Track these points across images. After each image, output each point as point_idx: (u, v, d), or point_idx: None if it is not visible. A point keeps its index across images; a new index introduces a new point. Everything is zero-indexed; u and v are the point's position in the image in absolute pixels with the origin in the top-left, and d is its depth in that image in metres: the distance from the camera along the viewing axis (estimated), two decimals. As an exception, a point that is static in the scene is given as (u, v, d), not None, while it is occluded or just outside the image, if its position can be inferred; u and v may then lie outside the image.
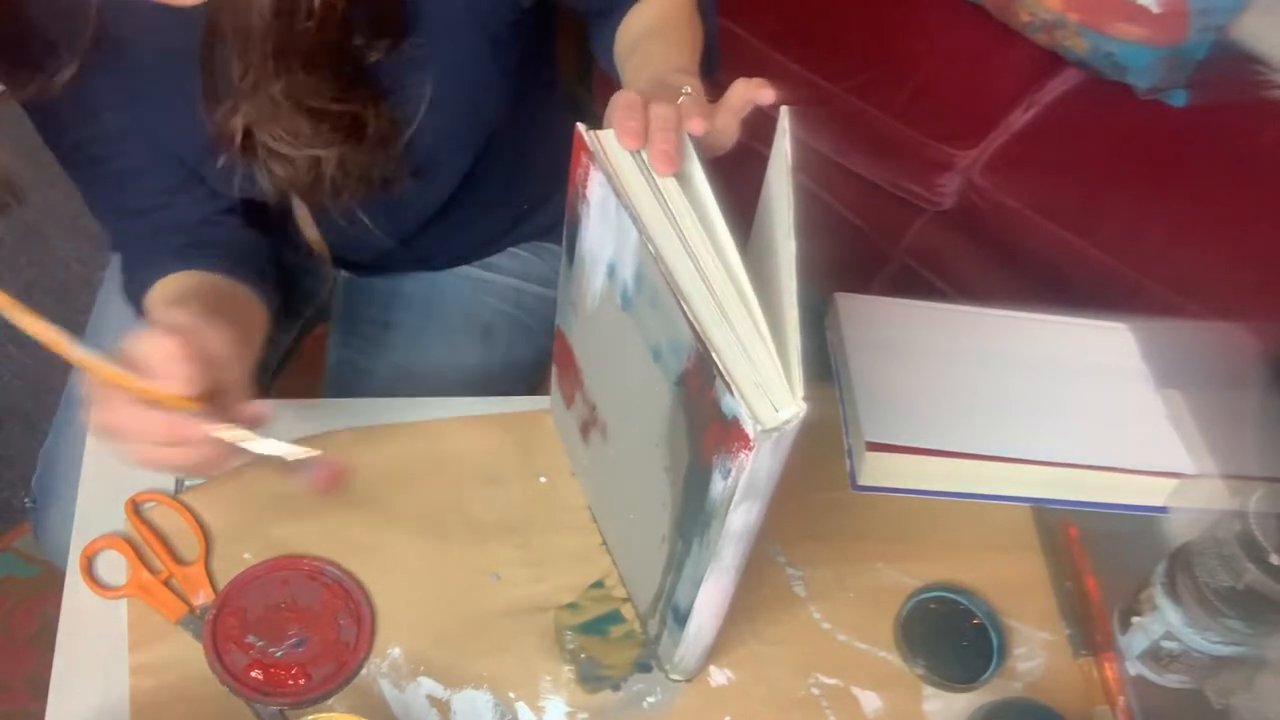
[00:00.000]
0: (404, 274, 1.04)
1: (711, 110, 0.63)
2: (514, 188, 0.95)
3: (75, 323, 1.92)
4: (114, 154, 0.79)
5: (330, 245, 0.88)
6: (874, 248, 1.63)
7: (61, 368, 1.63)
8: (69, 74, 0.67)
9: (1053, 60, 1.56)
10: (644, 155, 0.60)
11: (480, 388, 0.87)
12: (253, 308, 0.79)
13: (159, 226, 0.80)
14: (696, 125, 0.60)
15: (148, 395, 0.56)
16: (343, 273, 1.06)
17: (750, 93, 0.63)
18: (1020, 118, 1.52)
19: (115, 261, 1.02)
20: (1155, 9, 1.43)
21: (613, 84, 0.77)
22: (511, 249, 1.05)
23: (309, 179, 0.74)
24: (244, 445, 0.60)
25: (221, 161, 0.74)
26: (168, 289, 0.76)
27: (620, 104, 0.61)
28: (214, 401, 0.59)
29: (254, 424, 0.60)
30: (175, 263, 0.77)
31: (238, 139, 0.71)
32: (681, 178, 0.60)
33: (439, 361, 0.99)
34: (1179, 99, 1.51)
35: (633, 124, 0.59)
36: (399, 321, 1.02)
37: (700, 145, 0.62)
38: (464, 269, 1.04)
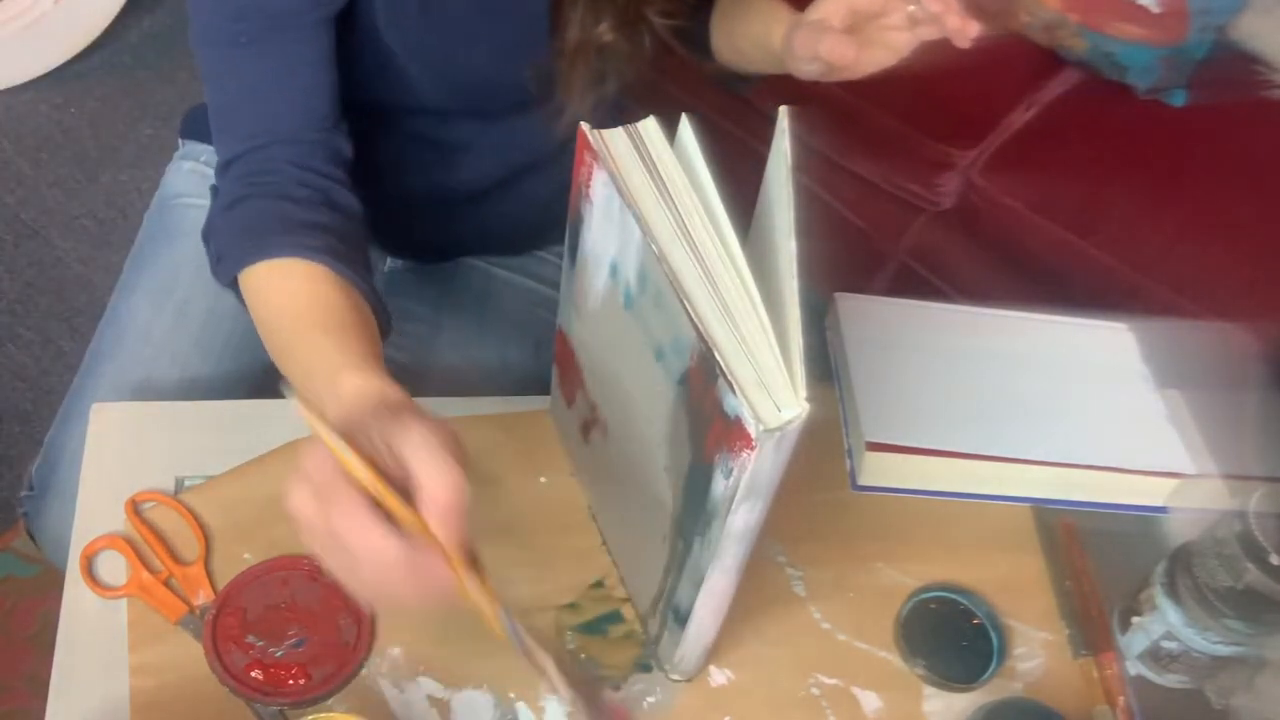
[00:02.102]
0: (454, 274, 1.04)
1: None
2: None
3: (74, 322, 1.93)
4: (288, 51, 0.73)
5: (428, 184, 0.91)
6: (874, 248, 1.63)
7: (62, 368, 1.63)
8: None
9: (1053, 60, 1.56)
10: (649, 154, 0.60)
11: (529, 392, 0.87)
12: (375, 331, 0.70)
13: (275, 187, 0.73)
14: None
15: (405, 522, 0.49)
16: (389, 263, 1.07)
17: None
18: (1020, 118, 1.52)
19: (137, 256, 1.01)
20: (1155, 9, 1.43)
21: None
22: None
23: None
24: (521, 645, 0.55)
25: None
26: (285, 292, 0.69)
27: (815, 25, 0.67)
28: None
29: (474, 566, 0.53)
30: (288, 248, 0.69)
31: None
32: (687, 175, 0.59)
33: (490, 368, 0.99)
34: (1179, 99, 1.51)
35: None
36: (449, 324, 1.02)
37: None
38: (517, 279, 1.04)
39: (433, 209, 0.96)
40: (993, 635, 0.75)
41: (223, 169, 0.76)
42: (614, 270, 0.63)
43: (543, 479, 0.81)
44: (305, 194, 0.73)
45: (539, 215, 1.01)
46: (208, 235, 0.76)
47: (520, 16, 0.80)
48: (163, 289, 0.97)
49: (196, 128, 1.05)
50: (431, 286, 1.05)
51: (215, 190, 0.76)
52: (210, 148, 1.00)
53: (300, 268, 0.69)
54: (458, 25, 0.79)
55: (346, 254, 0.71)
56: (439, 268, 1.07)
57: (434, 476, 0.49)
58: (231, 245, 0.72)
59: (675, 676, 0.72)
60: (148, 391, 0.92)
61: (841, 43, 0.71)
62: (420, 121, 0.88)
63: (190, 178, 1.02)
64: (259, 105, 0.74)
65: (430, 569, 0.49)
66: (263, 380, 0.98)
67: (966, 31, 0.68)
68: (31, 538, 1.00)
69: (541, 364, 1.00)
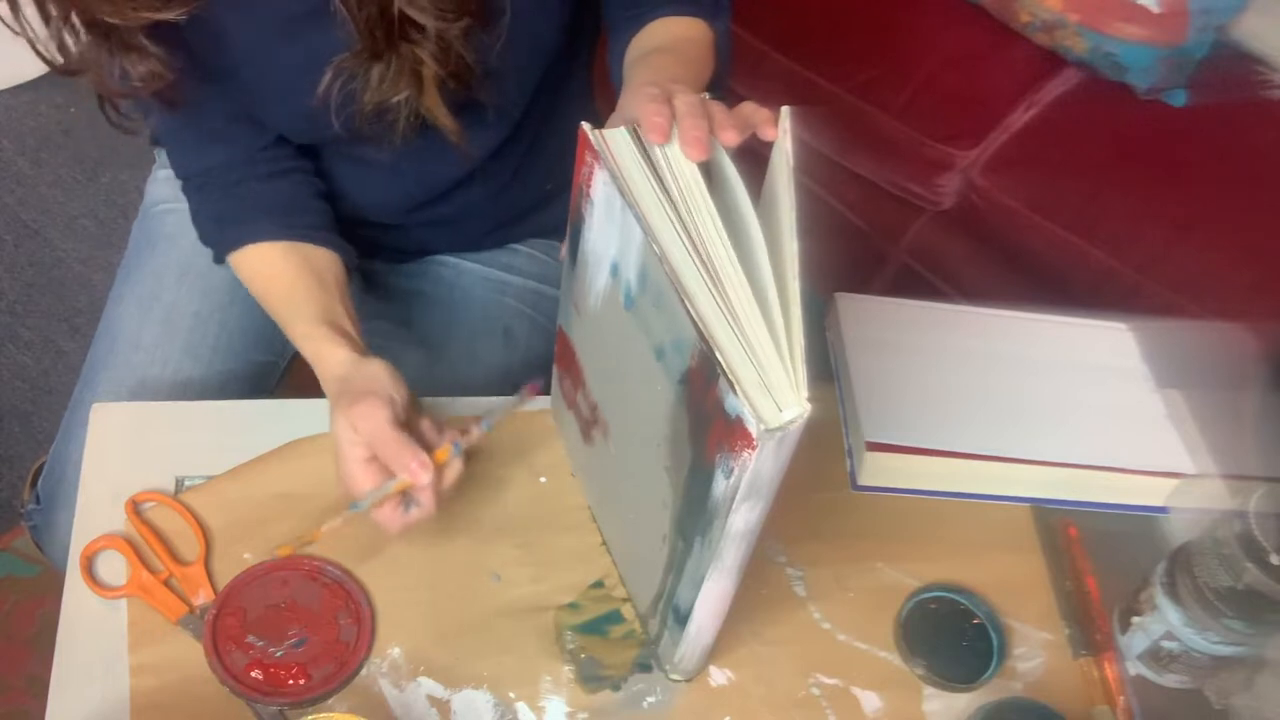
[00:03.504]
0: (425, 272, 1.04)
1: (736, 118, 0.63)
2: (541, 166, 0.97)
3: (74, 322, 1.93)
4: (210, 105, 0.83)
5: (364, 201, 0.93)
6: (874, 248, 1.63)
7: (62, 368, 1.63)
8: None
9: (1053, 60, 1.56)
10: (653, 151, 0.60)
11: (499, 389, 0.87)
12: (341, 272, 0.87)
13: (248, 194, 0.87)
14: (731, 136, 0.60)
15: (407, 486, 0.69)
16: (359, 262, 1.07)
17: (756, 120, 0.62)
18: (1020, 118, 1.52)
19: (124, 267, 1.02)
20: (1155, 9, 1.43)
21: (615, 96, 0.78)
22: (530, 251, 1.05)
23: (440, 56, 0.75)
24: (465, 446, 0.72)
25: (325, 82, 0.76)
26: (271, 270, 0.85)
27: (645, 97, 0.61)
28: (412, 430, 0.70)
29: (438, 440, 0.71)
30: (272, 231, 0.85)
31: (394, 25, 0.72)
32: (688, 174, 0.59)
33: (461, 362, 0.99)
34: (1179, 99, 1.51)
35: (660, 120, 0.60)
36: (420, 321, 1.02)
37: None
38: (484, 270, 1.04)
39: (381, 222, 0.97)
40: (993, 635, 0.75)
41: (184, 185, 0.90)
42: (615, 270, 0.63)
43: (543, 479, 0.81)
44: (247, 178, 0.86)
45: (486, 218, 1.01)
46: (194, 224, 0.90)
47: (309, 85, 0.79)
48: (150, 295, 0.98)
49: None
50: (401, 283, 1.05)
51: (183, 189, 0.90)
52: None
53: (257, 253, 0.85)
54: (267, 83, 0.81)
55: (292, 216, 0.86)
56: (407, 264, 1.07)
57: (402, 467, 0.68)
58: (207, 237, 0.89)
59: (675, 676, 0.72)
60: (142, 397, 0.92)
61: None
62: (330, 145, 0.89)
63: (166, 185, 1.04)
64: (187, 148, 0.89)
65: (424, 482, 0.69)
66: (254, 378, 0.99)
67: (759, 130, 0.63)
68: (40, 548, 1.00)
69: (511, 352, 1.01)
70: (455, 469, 0.71)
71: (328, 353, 0.77)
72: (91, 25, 0.70)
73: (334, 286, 0.84)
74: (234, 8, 0.75)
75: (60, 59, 0.72)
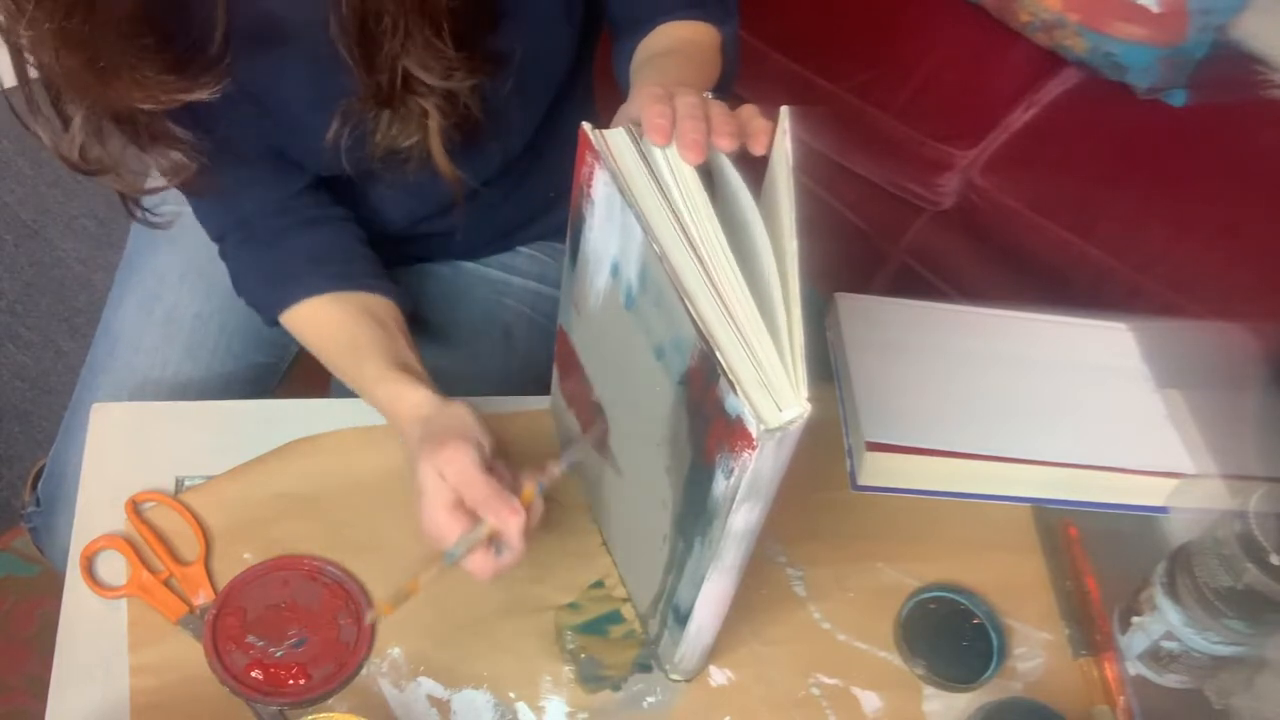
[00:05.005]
0: (424, 273, 1.04)
1: (734, 123, 0.62)
2: (543, 176, 0.97)
3: (74, 322, 1.93)
4: (236, 159, 0.80)
5: (364, 215, 0.91)
6: (874, 248, 1.63)
7: (62, 368, 1.63)
8: (216, 48, 0.67)
9: (1053, 60, 1.56)
10: (652, 151, 0.60)
11: (499, 390, 0.87)
12: (400, 316, 0.83)
13: (290, 246, 0.84)
14: (727, 144, 0.59)
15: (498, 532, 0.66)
16: None
17: (751, 130, 0.61)
18: (1020, 118, 1.52)
19: (125, 268, 1.02)
20: (1155, 9, 1.43)
21: (618, 96, 0.78)
22: (530, 252, 1.05)
23: (445, 108, 0.75)
24: (545, 486, 0.69)
25: (333, 131, 0.75)
26: (330, 321, 0.81)
27: (648, 97, 0.60)
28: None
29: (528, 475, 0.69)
30: (324, 284, 0.82)
31: (397, 84, 0.71)
32: (689, 174, 0.59)
33: (460, 363, 0.99)
34: (1179, 99, 1.51)
35: (662, 121, 0.59)
36: (420, 321, 1.02)
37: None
38: (484, 270, 1.04)
39: (382, 232, 0.96)
40: (993, 635, 0.75)
41: (220, 249, 0.86)
42: (615, 270, 0.63)
43: (543, 479, 0.81)
44: (288, 228, 0.83)
45: (488, 228, 1.01)
46: (238, 288, 0.87)
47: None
48: (151, 296, 0.98)
49: None
50: (401, 283, 1.05)
51: (221, 254, 0.87)
52: None
53: (312, 307, 0.81)
54: (286, 122, 0.79)
55: (341, 265, 0.83)
56: (408, 265, 1.07)
57: (493, 514, 0.65)
58: (256, 299, 0.85)
59: (675, 676, 0.72)
60: (142, 398, 0.92)
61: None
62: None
63: None
64: (220, 203, 0.84)
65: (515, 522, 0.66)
66: (254, 380, 0.98)
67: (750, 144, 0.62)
68: (40, 550, 1.00)
69: (510, 352, 1.00)
70: (538, 509, 0.68)
71: (405, 393, 0.74)
72: (119, 119, 0.68)
73: (397, 330, 0.81)
74: (254, 73, 0.73)
75: (82, 162, 0.69)
